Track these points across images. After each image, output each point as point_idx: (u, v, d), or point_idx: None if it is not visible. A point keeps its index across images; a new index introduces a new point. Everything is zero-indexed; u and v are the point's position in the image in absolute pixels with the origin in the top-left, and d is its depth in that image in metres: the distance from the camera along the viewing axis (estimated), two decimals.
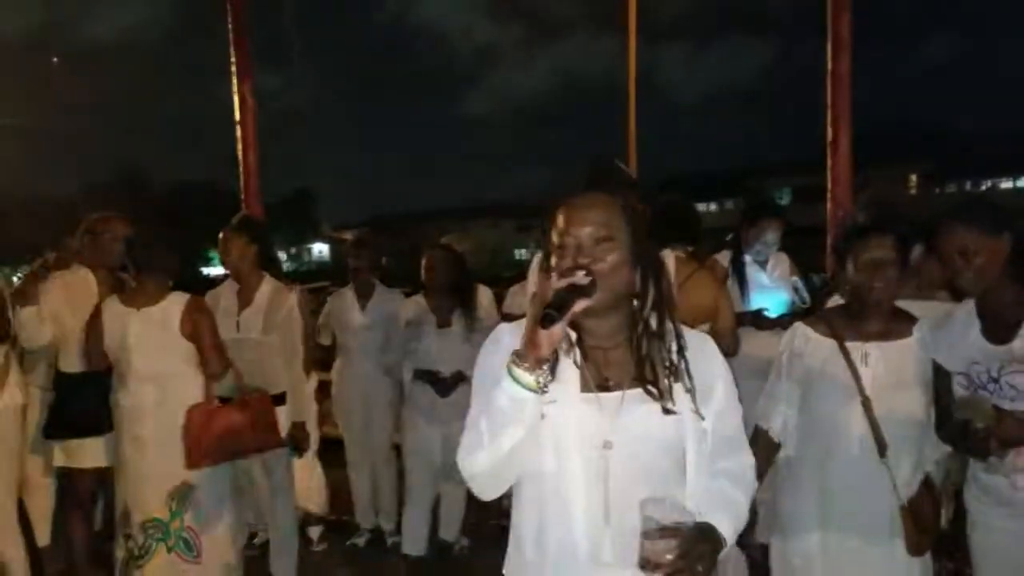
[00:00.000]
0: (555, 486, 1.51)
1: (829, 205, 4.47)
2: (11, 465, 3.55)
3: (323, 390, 4.86)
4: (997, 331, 2.27)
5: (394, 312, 4.35)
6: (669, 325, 1.55)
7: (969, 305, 2.36)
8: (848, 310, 2.45)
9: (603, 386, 1.52)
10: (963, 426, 2.17)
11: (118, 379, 3.45)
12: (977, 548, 2.40)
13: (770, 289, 4.25)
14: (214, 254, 4.21)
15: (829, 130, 4.41)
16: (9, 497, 3.56)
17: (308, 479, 4.58)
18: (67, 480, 3.84)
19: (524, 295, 4.07)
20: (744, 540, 1.62)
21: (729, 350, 2.84)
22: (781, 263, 4.38)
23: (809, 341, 2.46)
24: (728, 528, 1.50)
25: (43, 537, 4.02)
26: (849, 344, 2.38)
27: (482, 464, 1.49)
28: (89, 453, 3.64)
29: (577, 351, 1.54)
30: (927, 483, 2.37)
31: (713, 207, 39.04)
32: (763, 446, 2.42)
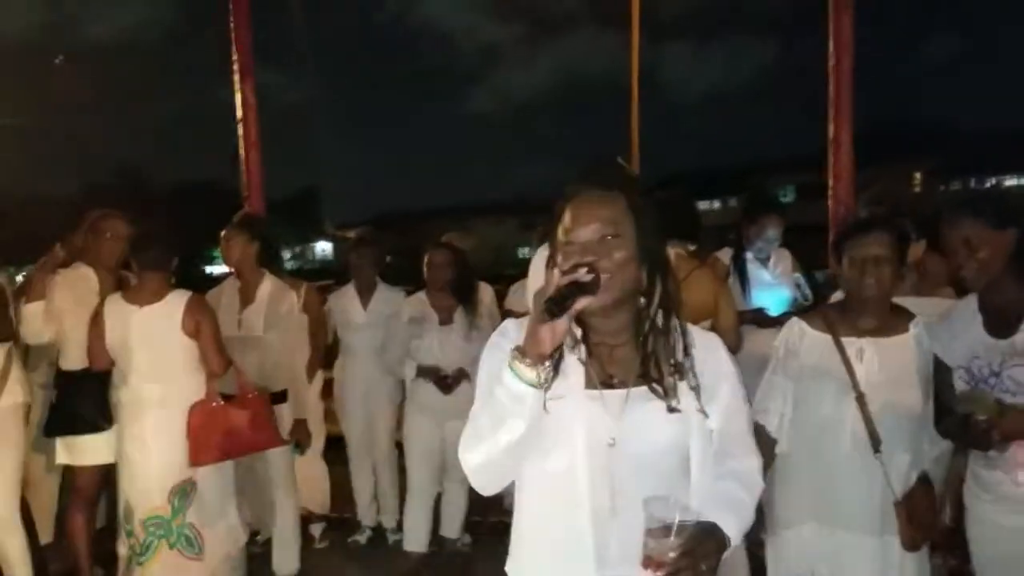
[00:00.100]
0: (559, 483, 1.50)
1: (831, 202, 4.47)
2: (14, 463, 3.56)
3: (327, 388, 4.87)
4: (999, 325, 2.27)
5: (396, 310, 4.36)
6: (675, 323, 1.55)
7: (971, 300, 2.37)
8: (844, 306, 2.46)
9: (608, 383, 1.52)
10: (964, 420, 2.17)
11: (120, 376, 3.46)
12: (977, 544, 2.40)
13: (772, 286, 4.25)
14: (217, 253, 4.23)
15: (831, 127, 4.41)
16: (12, 494, 3.57)
17: (311, 479, 4.59)
18: (69, 477, 3.86)
19: (526, 292, 4.07)
20: (748, 538, 1.61)
21: (731, 348, 2.83)
22: (783, 260, 4.37)
23: (805, 336, 2.46)
24: (733, 528, 1.49)
25: (46, 534, 4.04)
26: (844, 340, 2.38)
27: (482, 458, 1.49)
28: (91, 450, 3.65)
29: (582, 347, 1.54)
30: (923, 479, 2.37)
31: (716, 205, 39.00)
32: (760, 442, 2.42)
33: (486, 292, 4.46)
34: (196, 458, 3.38)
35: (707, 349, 1.59)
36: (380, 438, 4.63)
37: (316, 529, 4.68)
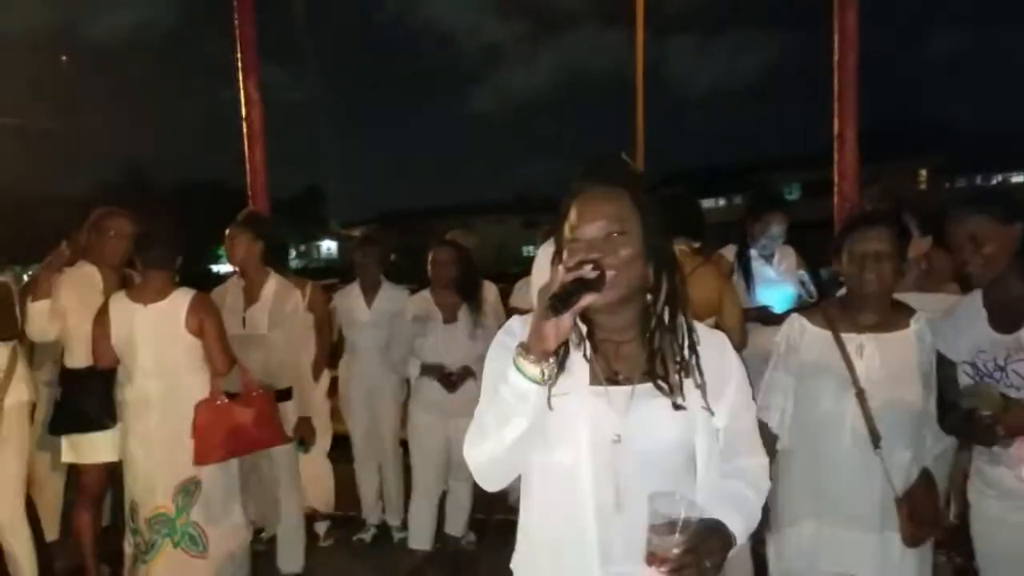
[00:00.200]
0: (564, 479, 1.50)
1: (836, 199, 4.46)
2: (19, 461, 3.57)
3: (333, 387, 4.88)
4: (1004, 320, 2.27)
5: (400, 308, 4.36)
6: (681, 320, 1.54)
7: (975, 296, 2.37)
8: (845, 302, 2.45)
9: (613, 380, 1.52)
10: (969, 415, 2.17)
11: (124, 374, 3.46)
12: (980, 541, 2.40)
13: (776, 283, 4.24)
14: (223, 252, 4.24)
15: (836, 123, 4.40)
16: (17, 493, 3.58)
17: (316, 477, 4.59)
18: (75, 476, 3.86)
19: (531, 289, 4.07)
20: (751, 536, 1.60)
21: (735, 345, 2.83)
22: (787, 257, 4.36)
23: (805, 332, 2.46)
24: (739, 526, 1.48)
25: (51, 532, 4.05)
26: (844, 336, 2.37)
27: (486, 455, 1.49)
28: (96, 448, 3.66)
29: (588, 344, 1.53)
30: (925, 475, 2.36)
31: (721, 202, 38.98)
32: (762, 439, 2.42)
33: (490, 290, 4.46)
34: (202, 457, 3.38)
35: (714, 347, 1.59)
36: (385, 436, 4.63)
37: (321, 527, 4.69)
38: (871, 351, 2.34)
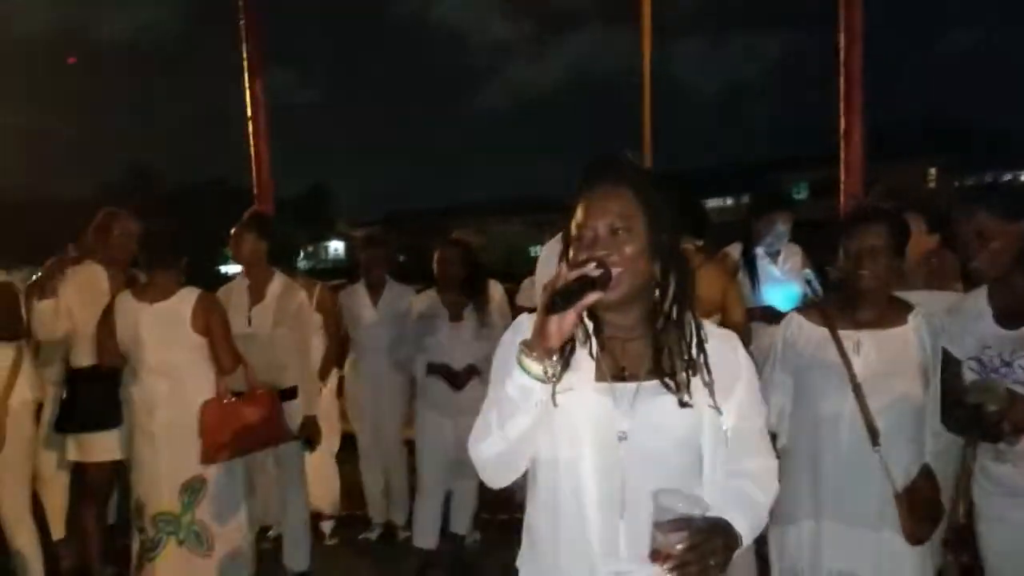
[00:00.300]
0: (569, 477, 1.50)
1: (841, 197, 4.44)
2: (25, 460, 3.59)
3: (341, 386, 4.88)
4: (1009, 316, 2.28)
5: (405, 308, 4.37)
6: (689, 317, 1.54)
7: (980, 292, 2.37)
8: (843, 299, 2.44)
9: (619, 377, 1.51)
10: (975, 411, 2.16)
11: (130, 373, 3.47)
12: (986, 539, 2.38)
13: (782, 282, 4.22)
14: (230, 252, 4.27)
15: (842, 121, 4.39)
16: (23, 491, 3.60)
17: (322, 477, 4.60)
18: (81, 474, 3.88)
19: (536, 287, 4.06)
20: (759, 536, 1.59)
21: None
22: (793, 255, 4.34)
23: (802, 330, 2.46)
24: (745, 526, 1.48)
25: (57, 531, 4.06)
26: (841, 332, 2.37)
27: (491, 452, 1.49)
28: (102, 447, 3.67)
29: (593, 341, 1.53)
30: (926, 471, 2.35)
31: (729, 202, 38.89)
32: None
33: (496, 289, 4.45)
34: (208, 456, 3.38)
35: (723, 347, 1.58)
36: (390, 435, 4.64)
37: (326, 526, 4.70)
38: (868, 348, 2.33)
